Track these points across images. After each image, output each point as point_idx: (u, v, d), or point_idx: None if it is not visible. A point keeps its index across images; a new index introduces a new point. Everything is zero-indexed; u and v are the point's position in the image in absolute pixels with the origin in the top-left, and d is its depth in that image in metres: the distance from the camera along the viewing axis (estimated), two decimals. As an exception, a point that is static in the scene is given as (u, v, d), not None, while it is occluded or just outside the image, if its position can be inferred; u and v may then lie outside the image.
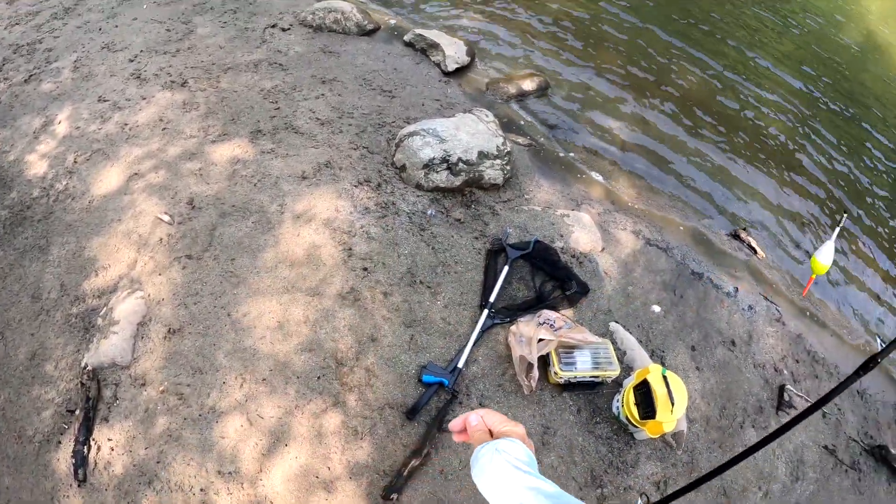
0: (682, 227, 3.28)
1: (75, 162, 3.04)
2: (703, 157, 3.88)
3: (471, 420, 0.88)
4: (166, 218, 2.69)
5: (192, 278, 2.48)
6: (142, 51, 3.84)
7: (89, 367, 2.27)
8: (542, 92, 4.03)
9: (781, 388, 2.63)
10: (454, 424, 0.90)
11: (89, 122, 3.26)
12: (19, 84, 3.72)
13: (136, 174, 2.92)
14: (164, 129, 3.17)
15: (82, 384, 2.26)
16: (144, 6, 4.42)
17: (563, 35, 4.71)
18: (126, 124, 3.21)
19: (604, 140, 3.82)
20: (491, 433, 0.87)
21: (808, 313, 3.11)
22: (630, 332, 2.54)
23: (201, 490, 1.99)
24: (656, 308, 2.71)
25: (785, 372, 2.73)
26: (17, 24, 4.49)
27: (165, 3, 4.46)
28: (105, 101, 3.41)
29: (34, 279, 2.60)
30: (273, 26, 4.17)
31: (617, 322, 2.57)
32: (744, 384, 2.59)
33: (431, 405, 2.16)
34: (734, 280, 3.05)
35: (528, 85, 3.97)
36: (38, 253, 2.69)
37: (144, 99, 3.38)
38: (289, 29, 4.17)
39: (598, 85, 4.25)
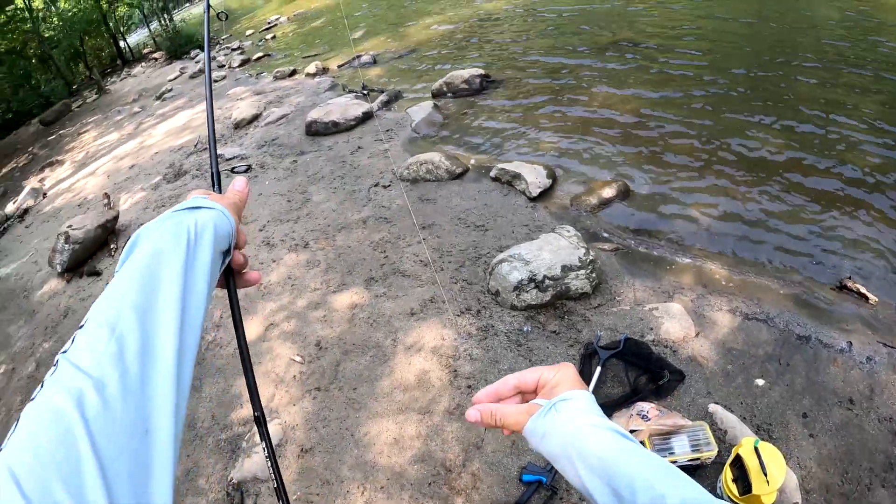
0: (781, 294, 3.69)
1: (221, 317, 4.36)
2: (794, 219, 4.37)
3: (471, 419, 0.83)
4: (298, 359, 3.83)
5: (320, 406, 3.52)
6: (269, 221, 5.37)
7: (235, 481, 3.26)
8: (623, 196, 4.89)
9: (915, 438, 2.75)
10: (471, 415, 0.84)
11: (230, 284, 4.66)
12: (170, 257, 5.34)
13: (272, 324, 4.14)
14: (293, 285, 4.45)
15: (228, 494, 3.23)
16: (266, 183, 6.15)
17: (637, 137, 5.73)
18: (261, 284, 4.56)
19: (690, 228, 4.47)
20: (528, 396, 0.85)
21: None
22: (731, 411, 2.97)
23: (331, 587, 2.82)
24: (760, 381, 3.12)
25: None
26: (162, 206, 6.36)
27: (284, 178, 6.17)
28: (242, 265, 4.84)
29: (190, 412, 3.76)
30: (376, 185, 5.63)
31: (716, 403, 3.04)
32: (868, 442, 2.83)
33: (533, 502, 2.89)
34: (846, 335, 3.35)
35: (609, 192, 4.88)
36: (193, 391, 3.89)
37: (275, 262, 4.75)
38: (389, 185, 5.60)
39: (675, 175, 5.07)
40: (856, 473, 2.77)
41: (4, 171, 12.51)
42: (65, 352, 0.57)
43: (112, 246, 5.97)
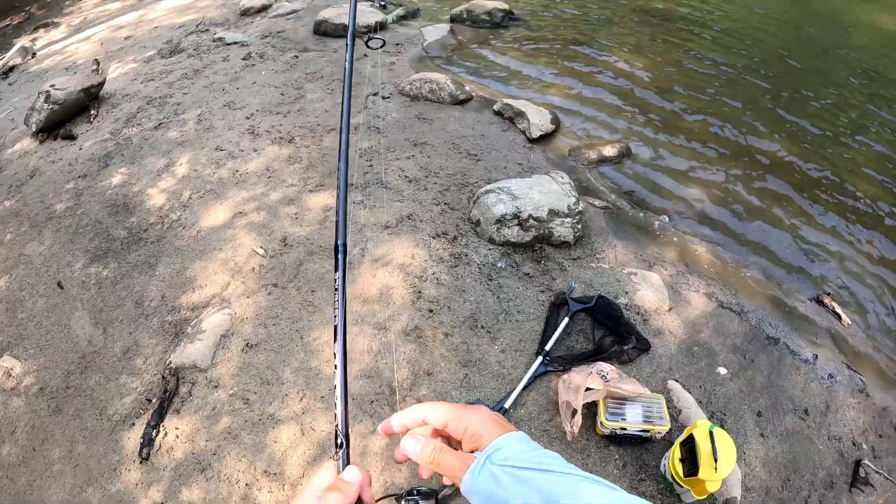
0: (760, 292, 3.60)
1: (189, 198, 4.03)
2: (787, 222, 4.26)
3: (408, 449, 0.74)
4: (261, 251, 3.53)
5: (274, 303, 3.24)
6: (257, 110, 4.98)
7: (172, 365, 3.00)
8: (622, 158, 4.69)
9: (857, 464, 2.75)
10: (398, 455, 0.76)
11: (206, 167, 4.30)
12: (150, 130, 4.94)
13: (240, 213, 3.83)
14: (270, 177, 4.12)
15: (163, 378, 2.99)
16: (263, 73, 5.72)
17: (648, 104, 5.47)
18: (237, 171, 4.21)
19: (682, 204, 4.33)
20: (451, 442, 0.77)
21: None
22: (690, 392, 2.85)
23: (246, 485, 2.55)
24: (722, 370, 3.02)
25: (864, 446, 2.87)
26: (152, 80, 5.92)
27: (281, 71, 5.74)
28: (222, 150, 4.47)
29: (140, 289, 3.47)
30: (375, 94, 5.23)
31: (676, 381, 2.91)
32: (814, 456, 2.77)
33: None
34: (814, 347, 3.28)
35: (610, 151, 4.65)
36: (146, 268, 3.59)
37: (255, 151, 4.40)
38: (388, 97, 5.22)
39: (679, 151, 4.87)
40: (797, 483, 2.71)
41: (-2, 27, 11.76)
42: None
43: (92, 112, 5.55)
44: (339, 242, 0.91)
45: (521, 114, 4.87)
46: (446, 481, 0.75)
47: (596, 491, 0.64)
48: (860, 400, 3.08)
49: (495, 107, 5.08)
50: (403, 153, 4.34)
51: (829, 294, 3.72)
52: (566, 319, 3.08)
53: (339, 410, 0.79)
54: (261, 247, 3.56)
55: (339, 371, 0.82)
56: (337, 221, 0.92)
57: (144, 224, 3.92)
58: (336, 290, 0.87)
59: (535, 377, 2.87)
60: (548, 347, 2.95)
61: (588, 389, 2.63)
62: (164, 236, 3.80)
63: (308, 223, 3.70)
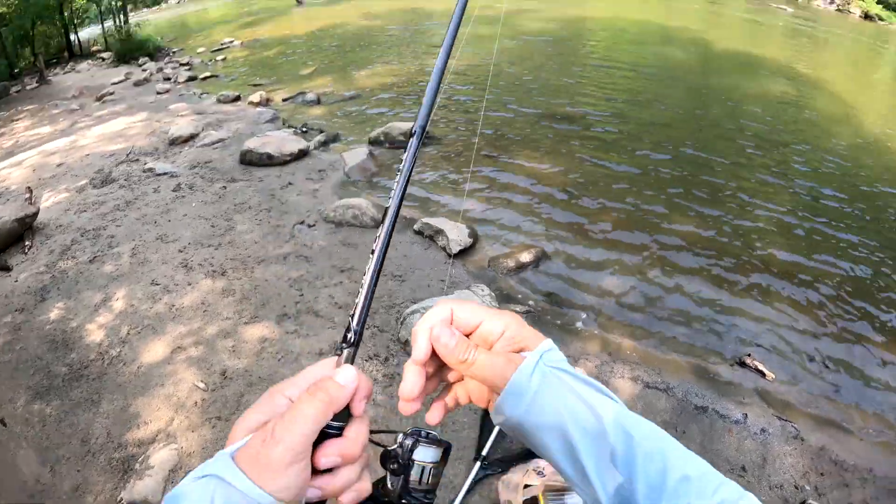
0: (683, 367, 3.96)
1: (128, 334, 4.27)
2: (701, 298, 4.74)
3: (444, 339, 0.66)
4: (202, 385, 3.80)
5: (219, 435, 3.49)
6: (190, 243, 5.32)
7: (124, 502, 3.21)
8: (539, 262, 5.14)
9: (802, 504, 2.93)
10: (417, 357, 0.69)
11: (142, 302, 4.56)
12: (85, 263, 5.16)
13: (178, 348, 4.09)
14: (205, 311, 4.42)
15: (116, 517, 3.21)
16: (193, 204, 6.10)
17: (561, 208, 6.11)
18: (173, 305, 4.50)
19: (600, 297, 4.74)
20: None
21: (830, 423, 3.59)
22: None
23: None
24: None
25: (807, 487, 3.13)
26: (85, 210, 6.17)
27: (211, 202, 6.13)
28: (157, 284, 4.75)
29: (85, 426, 3.64)
30: (301, 223, 5.70)
31: None
32: None
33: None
34: (742, 407, 3.60)
35: (526, 257, 5.11)
36: (90, 405, 3.77)
37: (190, 285, 4.71)
38: (314, 225, 5.68)
39: (592, 247, 5.41)
40: (745, 539, 3.03)
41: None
42: None
43: (27, 243, 5.71)
44: (418, 126, 0.83)
45: (440, 231, 5.31)
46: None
47: (639, 420, 0.64)
48: (796, 446, 3.39)
49: (415, 226, 5.51)
50: (331, 280, 4.77)
51: (749, 355, 4.08)
52: (500, 424, 3.45)
53: (360, 299, 0.70)
54: (201, 381, 3.84)
55: (376, 255, 0.73)
56: (423, 105, 0.84)
57: (85, 360, 4.11)
58: (399, 171, 0.80)
59: (475, 482, 3.15)
60: (485, 452, 3.24)
61: (527, 486, 2.89)
62: (105, 373, 4.00)
63: (246, 355, 4.02)
